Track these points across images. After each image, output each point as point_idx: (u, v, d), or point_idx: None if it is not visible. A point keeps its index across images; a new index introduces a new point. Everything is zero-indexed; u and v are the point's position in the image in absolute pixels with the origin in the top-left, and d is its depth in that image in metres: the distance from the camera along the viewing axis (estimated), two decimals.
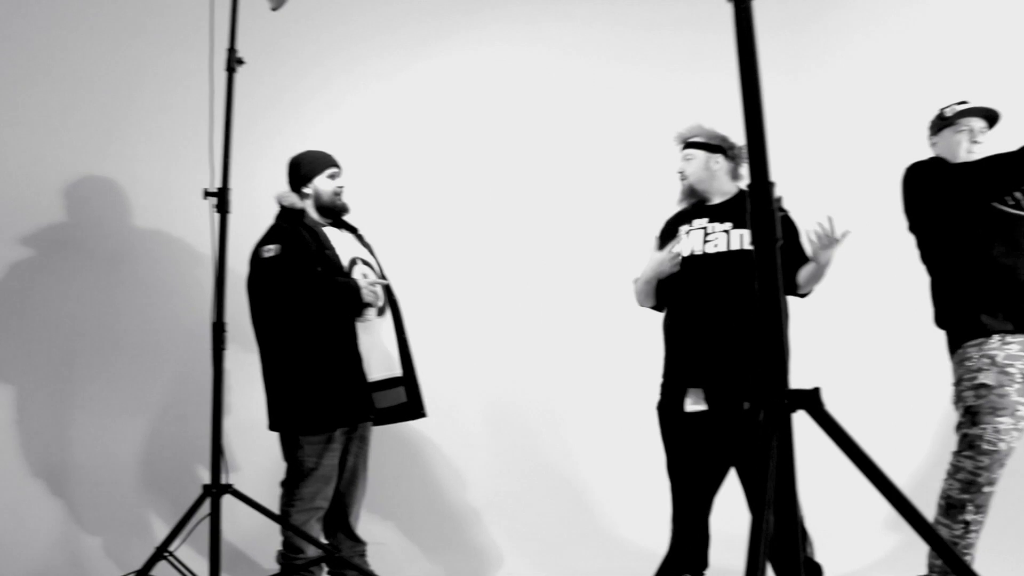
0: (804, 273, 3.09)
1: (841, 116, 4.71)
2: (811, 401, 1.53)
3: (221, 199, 3.08)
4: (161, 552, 2.86)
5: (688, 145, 3.32)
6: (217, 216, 3.07)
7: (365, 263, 3.43)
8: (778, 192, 1.62)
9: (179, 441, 4.11)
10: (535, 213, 4.72)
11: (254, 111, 4.09)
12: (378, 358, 3.30)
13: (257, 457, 3.89)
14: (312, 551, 3.23)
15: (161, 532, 3.69)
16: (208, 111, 3.13)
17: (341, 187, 3.45)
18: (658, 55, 4.81)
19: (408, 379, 3.43)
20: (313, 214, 3.43)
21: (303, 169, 3.46)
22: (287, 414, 3.24)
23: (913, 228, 3.18)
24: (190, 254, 4.24)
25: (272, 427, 3.28)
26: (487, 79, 4.83)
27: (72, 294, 4.18)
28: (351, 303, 3.24)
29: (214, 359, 3.05)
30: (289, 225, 3.33)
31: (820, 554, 3.08)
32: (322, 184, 3.43)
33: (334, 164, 3.48)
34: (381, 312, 3.36)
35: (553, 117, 4.79)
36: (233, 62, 3.15)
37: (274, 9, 3.38)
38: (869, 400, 4.07)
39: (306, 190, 3.44)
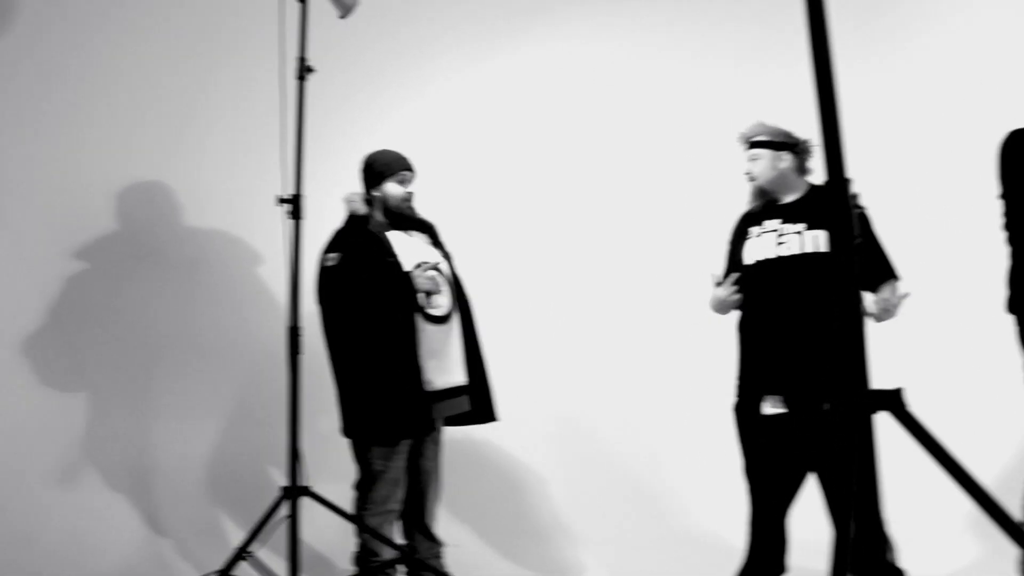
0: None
1: (916, 109, 4.57)
2: (894, 402, 1.49)
3: (294, 205, 3.12)
4: (241, 552, 2.89)
5: (752, 145, 3.25)
6: (291, 222, 3.10)
7: (437, 270, 3.37)
8: (855, 188, 1.58)
9: (254, 445, 4.18)
10: (609, 213, 4.68)
11: (325, 117, 4.12)
12: (441, 367, 3.27)
13: (330, 460, 3.91)
14: (388, 553, 3.25)
15: (235, 534, 3.82)
16: (279, 119, 3.17)
17: (411, 193, 3.40)
18: (726, 51, 4.74)
19: (479, 384, 3.41)
20: (380, 217, 3.39)
21: (376, 169, 3.42)
22: (354, 422, 3.26)
23: (1005, 195, 2.92)
24: (265, 260, 4.31)
25: (344, 433, 3.31)
26: (557, 78, 4.81)
27: (150, 302, 4.29)
28: (408, 298, 3.20)
29: (290, 363, 3.08)
30: (352, 232, 3.32)
31: (903, 559, 2.99)
32: (391, 189, 3.38)
33: (407, 168, 3.42)
34: (446, 318, 3.32)
35: (625, 115, 4.75)
36: (303, 70, 3.18)
37: (342, 17, 3.41)
38: (951, 399, 3.94)
39: (376, 192, 3.41)
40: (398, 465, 3.27)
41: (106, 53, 4.44)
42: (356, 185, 3.53)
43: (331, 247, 3.31)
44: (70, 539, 3.83)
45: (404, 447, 3.28)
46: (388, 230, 3.36)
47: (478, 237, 4.33)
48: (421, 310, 3.23)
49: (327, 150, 4.04)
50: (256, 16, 3.75)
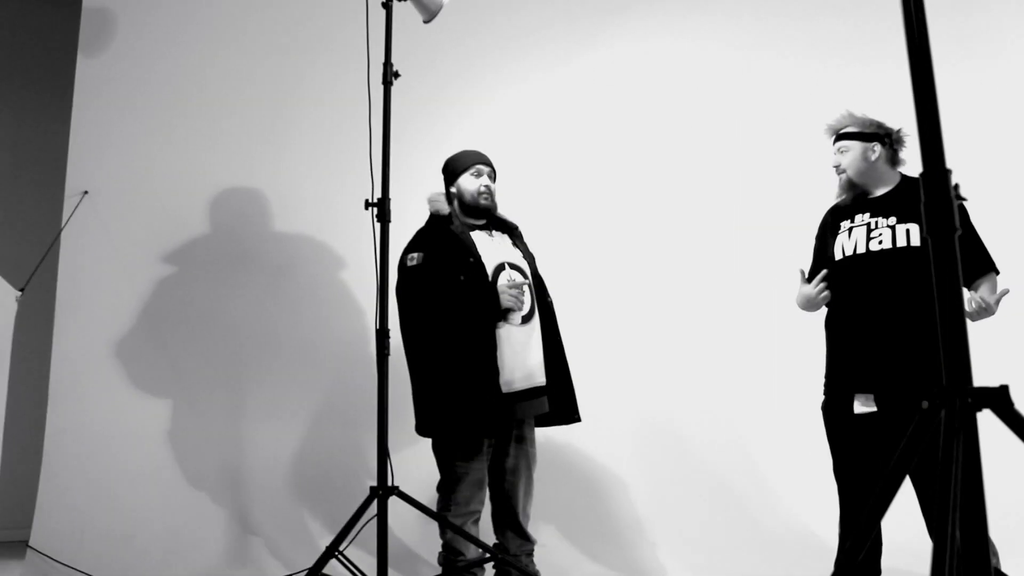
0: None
1: (1016, 99, 4.43)
2: (999, 399, 1.43)
3: (381, 209, 3.13)
4: (332, 551, 2.92)
5: (841, 137, 3.16)
6: (378, 225, 3.12)
7: (515, 267, 3.35)
8: (954, 180, 1.52)
9: (342, 445, 4.25)
10: (692, 210, 4.64)
11: (412, 121, 4.27)
12: (520, 368, 3.25)
13: (416, 461, 3.96)
14: (473, 552, 3.25)
15: (321, 533, 3.89)
16: (367, 124, 3.20)
17: (487, 186, 3.37)
18: (813, 46, 4.68)
19: (561, 384, 3.38)
20: (460, 215, 3.38)
21: (450, 167, 3.44)
22: (429, 421, 3.26)
23: None
24: (353, 264, 4.40)
25: (417, 431, 3.32)
26: (636, 77, 4.80)
27: (241, 305, 4.39)
28: (491, 310, 3.20)
29: (379, 365, 3.09)
30: (435, 231, 3.32)
31: (1007, 567, 2.89)
32: (466, 182, 3.37)
33: (481, 162, 3.40)
34: (528, 318, 3.30)
35: (708, 113, 4.72)
36: (390, 75, 3.21)
37: (427, 22, 3.45)
38: None
39: (452, 189, 3.41)
40: (479, 467, 3.26)
41: (195, 61, 4.57)
42: (439, 187, 3.56)
43: (413, 246, 3.33)
44: (164, 538, 3.93)
45: (485, 449, 3.27)
46: (471, 230, 3.35)
47: (557, 237, 4.34)
48: (503, 314, 3.24)
49: (413, 153, 4.12)
50: (342, 22, 3.80)
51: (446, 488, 3.28)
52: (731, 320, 4.50)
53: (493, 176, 3.43)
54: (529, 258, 3.47)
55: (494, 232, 3.43)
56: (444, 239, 3.29)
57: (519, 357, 3.25)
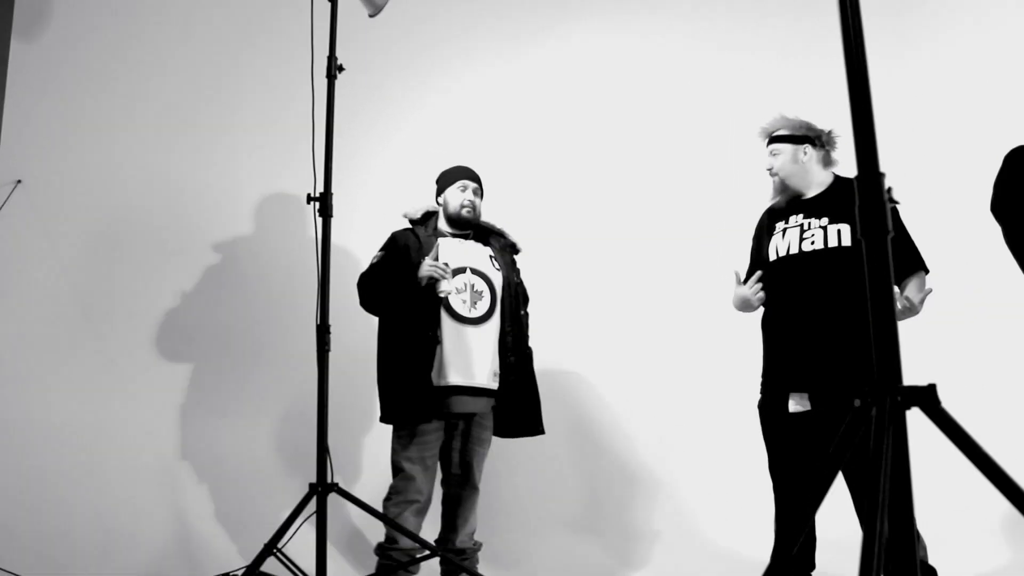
0: None
1: (947, 102, 4.54)
2: (927, 398, 1.47)
3: (323, 203, 3.11)
4: (270, 548, 2.90)
5: (773, 140, 3.21)
6: (320, 220, 3.11)
7: (477, 272, 3.45)
8: (888, 182, 1.56)
9: (282, 441, 4.22)
10: (629, 210, 4.66)
11: (356, 116, 4.25)
12: (462, 364, 3.33)
13: (367, 455, 3.95)
14: (406, 543, 3.31)
15: (261, 530, 3.80)
16: (310, 117, 3.18)
17: (471, 200, 3.54)
18: (750, 43, 4.74)
19: (524, 395, 3.46)
20: (443, 224, 3.56)
21: (440, 180, 3.63)
22: (381, 407, 3.41)
23: (997, 211, 2.89)
24: (297, 257, 4.30)
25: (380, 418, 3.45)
26: (580, 73, 4.80)
27: (179, 298, 4.31)
28: (429, 291, 3.31)
29: (319, 361, 3.08)
30: (402, 234, 3.50)
31: (935, 558, 2.97)
32: (451, 195, 3.55)
33: (468, 177, 3.59)
34: (482, 320, 3.39)
35: (648, 111, 4.74)
36: (334, 69, 3.19)
37: (372, 15, 3.43)
38: (980, 396, 3.89)
39: (439, 199, 3.60)
40: (413, 456, 3.34)
41: (132, 48, 4.49)
42: (385, 184, 3.57)
43: (382, 247, 3.51)
44: (99, 536, 3.87)
45: (422, 440, 3.35)
46: (442, 236, 3.50)
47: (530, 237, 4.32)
48: (450, 309, 3.33)
49: (358, 148, 4.10)
50: (286, 14, 3.77)
51: (393, 475, 3.40)
52: (671, 319, 4.54)
53: (479, 192, 3.60)
54: (507, 270, 3.56)
55: (469, 241, 3.56)
56: (407, 241, 3.46)
57: (464, 354, 3.33)
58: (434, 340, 3.31)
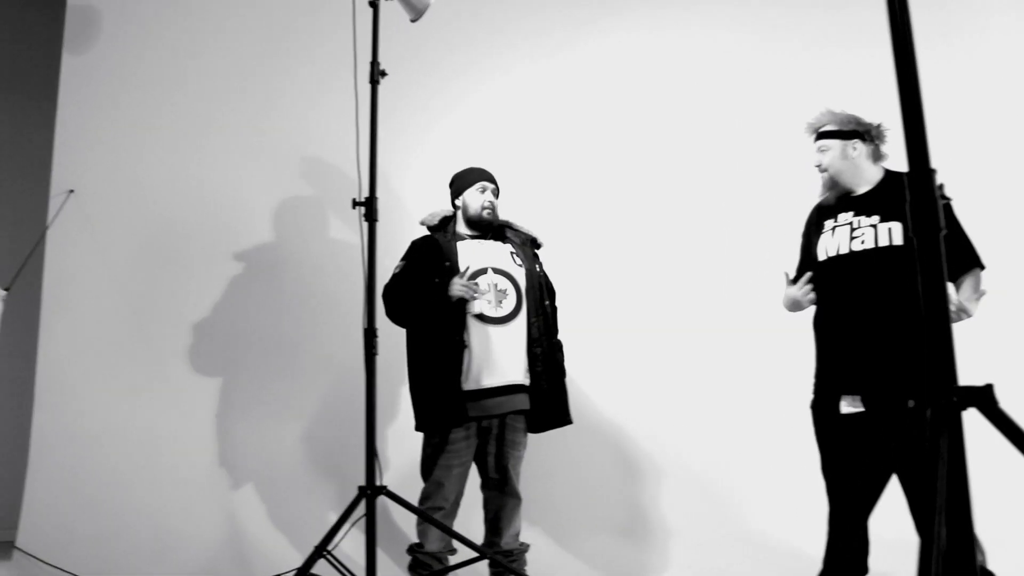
0: None
1: (999, 94, 4.44)
2: (983, 398, 1.43)
3: (369, 208, 3.13)
4: (320, 551, 2.92)
5: (820, 135, 3.14)
6: (366, 224, 3.13)
7: (499, 271, 3.44)
8: (940, 178, 1.52)
9: (331, 444, 4.23)
10: (680, 208, 4.60)
11: (399, 120, 4.25)
12: (493, 366, 3.34)
13: (395, 458, 3.96)
14: (433, 546, 3.34)
15: (318, 531, 3.82)
16: (354, 122, 3.20)
17: (491, 201, 3.54)
18: (799, 35, 4.66)
19: (552, 387, 3.44)
20: (462, 226, 3.55)
21: (456, 184, 3.61)
22: (416, 415, 3.42)
23: None
24: (342, 262, 4.33)
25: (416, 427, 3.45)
26: (624, 69, 4.74)
27: (227, 304, 4.35)
28: (444, 302, 3.31)
29: (366, 364, 3.09)
30: (422, 242, 3.50)
31: (994, 564, 2.90)
32: (470, 197, 3.55)
33: (486, 179, 3.58)
34: (508, 319, 3.39)
35: (693, 106, 4.67)
36: (376, 74, 3.20)
37: (414, 20, 3.44)
38: None
39: (457, 202, 3.59)
40: (442, 463, 3.35)
41: (179, 59, 4.56)
42: (428, 188, 3.61)
43: (404, 256, 3.51)
44: (151, 538, 3.92)
45: (452, 448, 3.35)
46: (461, 239, 3.49)
47: (550, 233, 4.25)
48: (476, 312, 3.34)
49: (400, 152, 4.11)
50: (329, 21, 3.78)
51: (423, 479, 3.42)
52: (722, 319, 4.46)
53: (496, 192, 3.59)
54: (529, 264, 3.55)
55: (488, 240, 3.55)
56: (428, 248, 3.46)
57: (493, 355, 3.33)
58: (461, 344, 3.31)
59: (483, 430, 3.41)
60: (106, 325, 4.22)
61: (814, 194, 3.25)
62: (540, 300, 3.51)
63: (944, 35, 4.41)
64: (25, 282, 4.07)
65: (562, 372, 3.51)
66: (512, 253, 3.55)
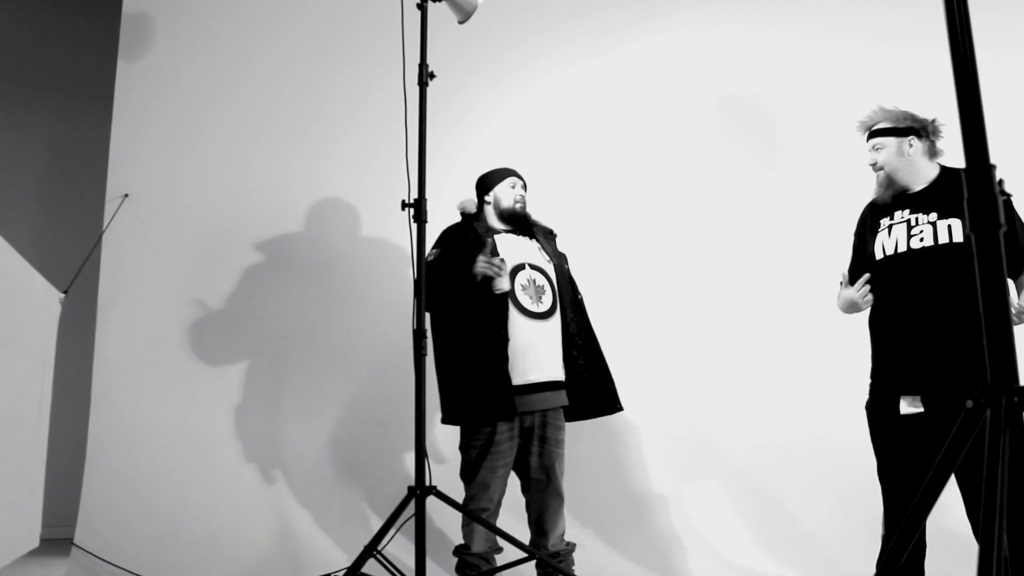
0: None
1: None
2: None
3: (417, 210, 3.13)
4: (370, 551, 2.93)
5: (875, 133, 3.08)
6: (415, 226, 3.12)
7: (535, 268, 3.45)
8: (999, 174, 1.49)
9: (379, 445, 4.26)
10: (727, 207, 4.57)
11: (447, 122, 4.29)
12: (531, 362, 3.32)
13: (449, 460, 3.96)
14: (480, 546, 3.32)
15: (366, 531, 3.89)
16: (403, 124, 3.21)
17: (522, 196, 3.57)
18: (852, 32, 4.60)
19: (595, 376, 3.44)
20: (493, 221, 3.55)
21: (486, 180, 3.62)
22: (446, 409, 3.37)
23: None
24: (389, 263, 4.38)
25: (441, 420, 3.43)
26: (677, 67, 4.72)
27: (278, 306, 4.40)
28: (467, 278, 3.28)
29: (416, 365, 3.08)
30: (458, 229, 3.47)
31: None
32: (502, 192, 3.56)
33: (515, 175, 3.61)
34: (546, 315, 3.38)
35: (747, 104, 4.63)
36: (425, 76, 3.21)
37: (462, 22, 3.45)
38: None
39: (487, 198, 3.59)
40: (487, 464, 3.31)
41: (231, 63, 4.61)
42: (470, 188, 3.62)
43: (436, 243, 3.46)
44: (205, 537, 3.97)
45: (497, 448, 3.31)
46: (496, 233, 3.48)
47: (592, 235, 4.33)
48: (519, 305, 3.30)
49: (447, 153, 4.13)
50: (377, 23, 3.81)
51: (464, 478, 3.38)
52: (772, 320, 4.42)
53: (525, 187, 3.62)
54: (557, 259, 3.56)
55: (520, 236, 3.56)
56: (465, 237, 3.41)
57: (536, 350, 3.33)
58: (505, 338, 3.29)
59: (525, 430, 3.39)
60: (160, 327, 4.28)
61: (862, 190, 3.20)
62: (573, 295, 3.53)
63: (1001, 28, 4.33)
64: (82, 285, 4.13)
65: (604, 359, 3.52)
66: (540, 249, 3.56)
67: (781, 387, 4.33)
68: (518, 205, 3.56)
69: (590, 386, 3.44)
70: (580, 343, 3.45)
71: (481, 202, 3.60)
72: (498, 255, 3.32)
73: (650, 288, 4.48)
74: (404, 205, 3.13)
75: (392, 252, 4.37)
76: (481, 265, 3.27)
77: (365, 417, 4.34)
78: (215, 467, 4.14)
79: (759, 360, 4.39)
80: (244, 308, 4.37)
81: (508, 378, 3.26)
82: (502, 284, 3.28)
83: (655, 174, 4.62)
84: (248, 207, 4.46)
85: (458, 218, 3.60)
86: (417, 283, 3.11)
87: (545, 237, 3.63)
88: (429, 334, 3.36)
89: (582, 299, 3.59)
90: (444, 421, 3.43)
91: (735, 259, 4.50)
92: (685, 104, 4.66)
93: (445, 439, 3.73)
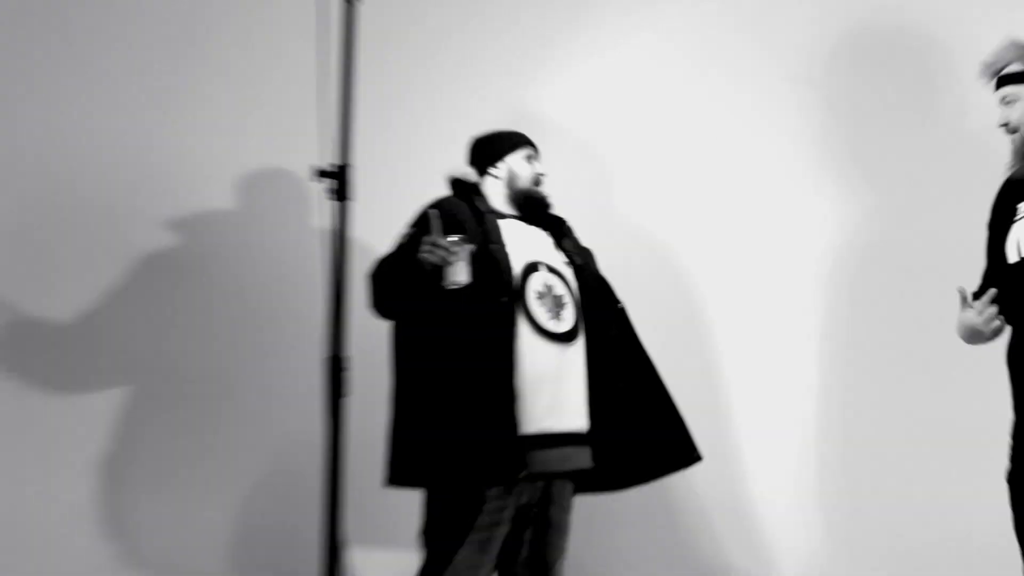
0: None
1: None
2: None
3: (340, 181, 2.40)
4: None
5: (1004, 80, 2.48)
6: (334, 205, 2.41)
7: (554, 271, 2.80)
8: None
9: (298, 538, 3.57)
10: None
11: (387, 56, 3.69)
12: (547, 402, 2.63)
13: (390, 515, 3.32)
14: None
15: None
16: (316, 57, 2.50)
17: (543, 175, 2.97)
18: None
19: (661, 420, 2.81)
20: (499, 202, 2.92)
21: (494, 146, 2.97)
22: (405, 464, 2.65)
23: None
24: (301, 259, 3.60)
25: (389, 480, 2.70)
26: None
27: (136, 320, 3.81)
28: (504, 292, 2.64)
29: (330, 404, 2.35)
30: (447, 202, 2.80)
31: None
32: (518, 165, 2.92)
33: (532, 145, 2.99)
34: (567, 337, 2.70)
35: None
36: None
37: None
38: None
39: (495, 171, 2.93)
40: (474, 539, 2.61)
41: None
42: (419, 155, 3.21)
43: (413, 223, 2.78)
44: None
45: (491, 517, 2.62)
46: (502, 217, 2.87)
47: (590, 222, 3.64)
48: (533, 320, 2.66)
49: (388, 101, 3.68)
50: None
51: (433, 537, 2.68)
52: (875, 344, 3.90)
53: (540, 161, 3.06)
54: (583, 257, 2.94)
55: (533, 227, 2.93)
56: (459, 214, 2.74)
57: (548, 388, 2.66)
58: (509, 365, 2.60)
59: (522, 508, 2.72)
60: None
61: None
62: (611, 304, 2.92)
63: None
64: None
65: (669, 395, 2.87)
66: (555, 246, 2.93)
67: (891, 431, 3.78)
68: (539, 187, 2.95)
69: (651, 431, 2.79)
70: (628, 371, 2.82)
71: (485, 174, 2.96)
72: (452, 235, 2.62)
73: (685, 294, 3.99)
74: (318, 174, 2.40)
75: (305, 243, 3.63)
76: (424, 249, 2.55)
77: (261, 489, 3.72)
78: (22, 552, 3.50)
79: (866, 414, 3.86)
80: (87, 319, 3.74)
81: (514, 422, 2.56)
82: (455, 275, 2.56)
83: (674, 138, 4.06)
84: (89, 179, 3.84)
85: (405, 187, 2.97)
86: (336, 288, 2.35)
87: (561, 228, 2.99)
88: (392, 354, 2.72)
89: (624, 308, 2.94)
90: (394, 483, 2.67)
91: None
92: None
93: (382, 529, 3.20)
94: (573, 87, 4.16)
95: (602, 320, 2.85)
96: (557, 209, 3.04)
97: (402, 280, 2.65)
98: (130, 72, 3.95)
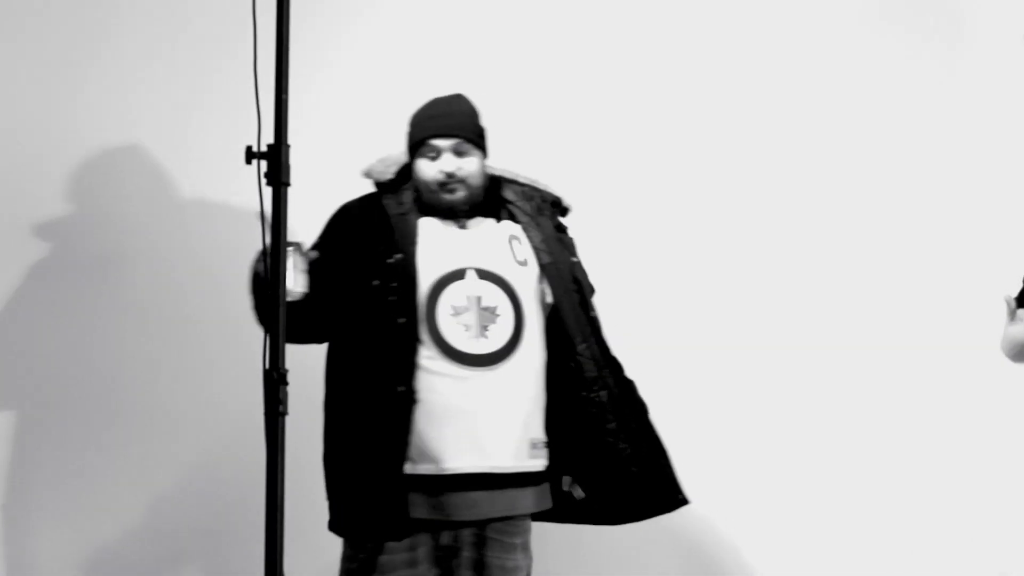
0: None
1: None
2: None
3: (273, 163, 2.14)
4: None
5: None
6: (269, 190, 2.16)
7: (488, 276, 2.47)
8: None
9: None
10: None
11: (330, 14, 3.44)
12: (460, 436, 2.38)
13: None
14: None
15: None
16: (250, 29, 2.19)
17: (448, 173, 2.51)
18: None
19: (628, 455, 2.46)
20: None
21: (408, 139, 2.62)
22: (331, 507, 2.52)
23: None
24: (230, 254, 3.17)
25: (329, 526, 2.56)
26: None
27: (43, 319, 3.43)
28: (385, 318, 2.39)
29: (267, 426, 2.08)
30: (358, 206, 2.59)
31: None
32: (421, 168, 2.54)
33: (440, 134, 2.54)
34: (496, 358, 2.41)
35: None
36: None
37: None
38: None
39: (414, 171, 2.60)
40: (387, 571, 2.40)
41: None
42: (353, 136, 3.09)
43: (322, 232, 2.60)
44: None
45: (419, 546, 2.40)
46: (425, 215, 2.56)
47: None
48: (442, 342, 2.39)
49: (330, 69, 3.40)
50: None
51: None
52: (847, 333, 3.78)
53: (462, 150, 2.56)
54: (551, 255, 2.55)
55: (472, 220, 2.58)
56: (367, 222, 2.53)
57: (460, 421, 2.40)
58: (408, 397, 2.34)
59: (445, 549, 2.43)
60: None
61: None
62: (582, 315, 2.53)
63: None
64: None
65: (651, 425, 2.52)
66: (512, 239, 2.54)
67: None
68: (445, 191, 2.53)
69: (631, 466, 2.44)
70: (601, 396, 2.45)
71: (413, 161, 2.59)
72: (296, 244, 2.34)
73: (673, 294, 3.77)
74: (252, 155, 2.13)
75: (236, 236, 3.15)
76: (257, 258, 2.31)
77: (186, 515, 3.36)
78: None
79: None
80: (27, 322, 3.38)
81: (400, 466, 2.33)
82: (288, 285, 2.29)
83: (664, 111, 3.83)
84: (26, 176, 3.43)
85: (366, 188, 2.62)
86: (271, 289, 2.09)
87: (537, 212, 2.60)
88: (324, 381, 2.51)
89: (596, 317, 2.56)
90: (331, 528, 2.50)
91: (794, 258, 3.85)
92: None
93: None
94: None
95: (566, 333, 2.50)
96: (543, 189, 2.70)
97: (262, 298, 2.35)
98: (47, 46, 3.55)
